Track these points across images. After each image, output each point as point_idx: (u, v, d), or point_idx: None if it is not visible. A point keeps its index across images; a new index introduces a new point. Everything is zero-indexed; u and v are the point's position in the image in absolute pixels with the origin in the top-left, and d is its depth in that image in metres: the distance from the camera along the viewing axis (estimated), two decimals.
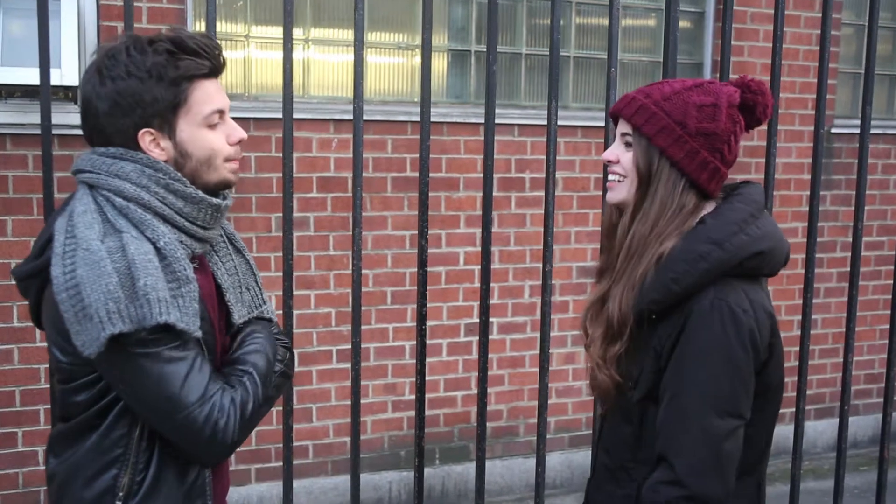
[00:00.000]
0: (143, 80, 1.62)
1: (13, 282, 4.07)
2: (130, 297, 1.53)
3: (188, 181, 1.69)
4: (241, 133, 1.75)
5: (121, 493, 1.66)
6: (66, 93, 4.13)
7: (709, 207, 1.79)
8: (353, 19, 2.18)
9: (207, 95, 1.69)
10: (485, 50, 4.94)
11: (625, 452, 1.82)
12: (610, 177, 1.83)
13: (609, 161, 1.82)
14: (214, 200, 1.71)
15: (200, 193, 1.69)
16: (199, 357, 1.63)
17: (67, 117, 4.14)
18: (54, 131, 4.04)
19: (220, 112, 1.72)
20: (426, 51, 2.26)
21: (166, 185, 1.66)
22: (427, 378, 4.94)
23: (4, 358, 4.14)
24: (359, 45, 2.22)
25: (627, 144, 1.79)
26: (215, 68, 1.70)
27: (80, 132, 4.12)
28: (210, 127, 1.70)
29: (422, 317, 2.35)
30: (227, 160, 1.74)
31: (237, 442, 1.67)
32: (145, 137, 1.66)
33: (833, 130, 5.53)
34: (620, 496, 1.82)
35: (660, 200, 1.74)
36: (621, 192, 1.81)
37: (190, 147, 1.69)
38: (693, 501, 1.63)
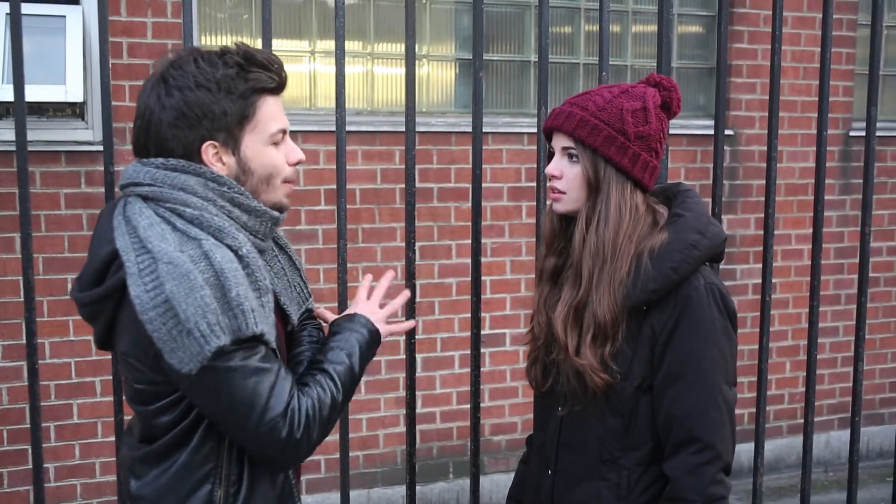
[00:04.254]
0: (213, 92, 1.59)
1: (22, 299, 4.07)
2: (224, 308, 1.50)
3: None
4: (300, 154, 1.72)
5: None
6: (73, 109, 4.14)
7: (658, 207, 1.89)
8: (335, 26, 2.15)
9: (273, 113, 1.66)
10: (494, 58, 4.92)
11: (612, 444, 1.86)
12: (553, 190, 1.89)
13: (552, 176, 1.87)
14: (275, 213, 1.69)
15: (263, 206, 1.67)
16: (281, 366, 1.61)
17: (74, 134, 4.17)
18: (63, 147, 4.14)
19: (284, 131, 1.69)
20: (410, 58, 2.22)
21: (231, 199, 1.62)
22: (439, 391, 4.96)
23: (15, 375, 4.15)
24: (340, 54, 2.18)
25: (570, 157, 1.85)
26: (281, 84, 1.68)
27: (87, 149, 4.17)
28: (274, 145, 1.67)
29: (411, 331, 2.30)
30: (285, 181, 1.71)
31: (317, 444, 1.66)
32: (209, 150, 1.62)
33: (851, 133, 5.41)
34: (606, 487, 1.87)
35: (615, 205, 1.82)
36: (568, 203, 1.88)
37: (253, 163, 1.66)
38: (725, 471, 1.80)
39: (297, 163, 1.72)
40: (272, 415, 1.56)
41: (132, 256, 1.53)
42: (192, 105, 1.59)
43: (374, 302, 1.89)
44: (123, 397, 2.29)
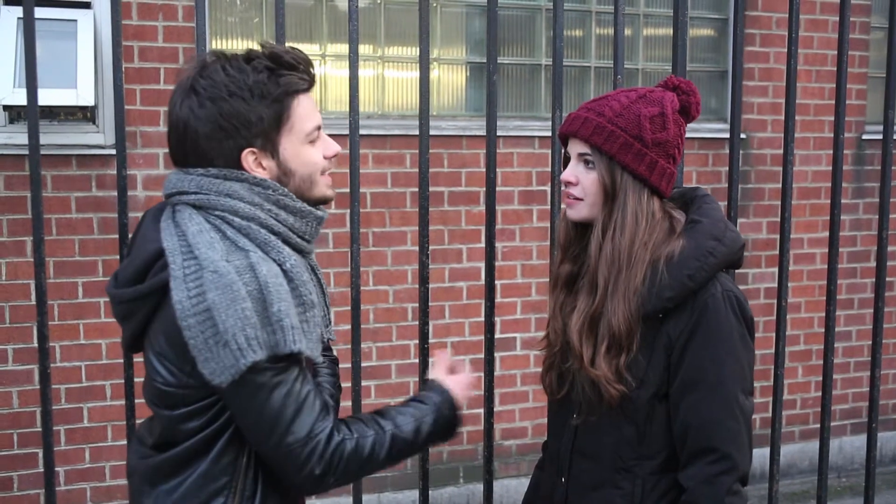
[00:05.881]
0: (247, 100, 1.58)
1: (33, 303, 4.07)
2: (263, 322, 1.50)
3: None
4: (336, 147, 1.73)
5: None
6: (84, 112, 4.14)
7: (675, 212, 1.86)
8: (348, 30, 2.14)
9: (307, 111, 1.66)
10: (505, 62, 4.91)
11: (626, 452, 1.83)
12: (569, 196, 1.86)
13: (568, 182, 1.85)
14: (319, 212, 1.70)
15: (308, 206, 1.67)
16: (314, 391, 1.60)
17: (85, 137, 4.17)
18: (74, 151, 4.15)
19: (319, 127, 1.69)
20: (424, 62, 2.21)
21: (276, 202, 1.62)
22: None
23: (26, 378, 4.15)
24: (354, 58, 2.17)
25: (586, 163, 1.83)
26: (312, 82, 1.68)
27: (98, 152, 4.17)
28: (311, 143, 1.67)
29: (424, 335, 2.29)
30: (323, 174, 1.71)
31: (332, 487, 1.63)
32: (248, 158, 1.62)
33: (864, 137, 5.38)
34: (620, 496, 1.84)
35: (631, 213, 1.79)
36: (583, 210, 1.85)
37: (293, 164, 1.66)
38: (742, 482, 1.77)
39: (334, 155, 1.72)
40: (292, 439, 1.56)
41: (178, 259, 1.53)
42: (227, 115, 1.58)
43: (458, 378, 1.86)
44: (135, 401, 2.29)
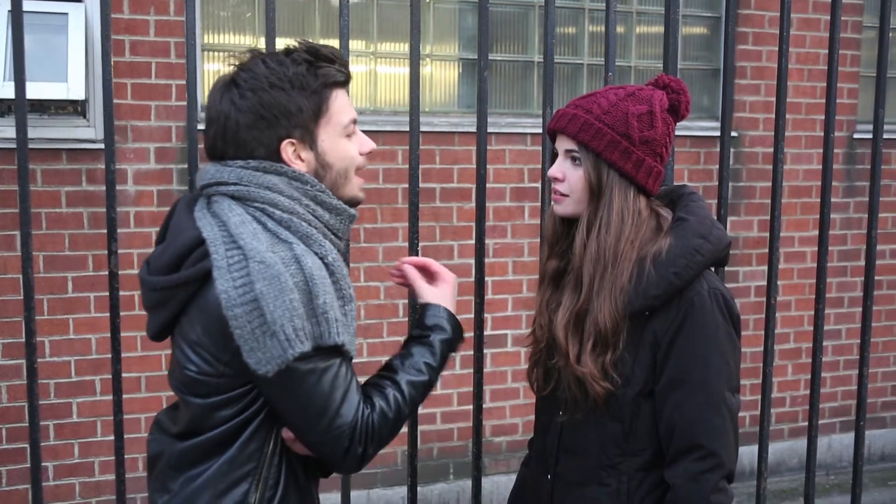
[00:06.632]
0: (287, 91, 1.61)
1: (22, 297, 4.05)
2: (309, 314, 1.52)
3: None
4: (371, 143, 1.76)
5: None
6: (75, 107, 4.13)
7: (662, 210, 1.85)
8: (339, 25, 2.13)
9: (343, 104, 1.69)
10: (498, 58, 4.91)
11: (611, 449, 1.83)
12: (556, 192, 1.87)
13: (555, 178, 1.85)
14: (352, 211, 1.72)
15: (342, 203, 1.69)
16: (354, 377, 1.63)
17: (76, 131, 4.15)
18: (64, 145, 4.13)
19: (355, 121, 1.72)
20: (414, 57, 2.21)
21: (314, 197, 1.64)
22: (440, 391, 4.93)
23: (15, 373, 4.14)
24: (344, 53, 2.16)
25: (573, 160, 1.83)
26: (348, 77, 1.71)
27: (89, 146, 4.15)
28: (347, 137, 1.70)
29: None
30: (358, 171, 1.74)
31: (372, 457, 1.67)
32: (287, 149, 1.64)
33: (855, 136, 5.40)
34: (606, 493, 1.84)
35: (617, 211, 1.79)
36: (569, 206, 1.86)
37: (331, 157, 1.68)
38: (728, 479, 1.77)
39: (370, 152, 1.75)
40: (341, 422, 1.59)
41: (221, 249, 1.54)
42: (268, 105, 1.61)
43: (443, 289, 1.90)
44: (122, 397, 2.28)
